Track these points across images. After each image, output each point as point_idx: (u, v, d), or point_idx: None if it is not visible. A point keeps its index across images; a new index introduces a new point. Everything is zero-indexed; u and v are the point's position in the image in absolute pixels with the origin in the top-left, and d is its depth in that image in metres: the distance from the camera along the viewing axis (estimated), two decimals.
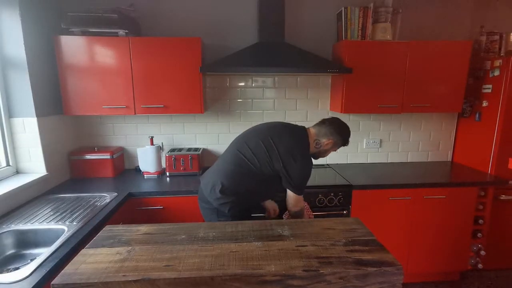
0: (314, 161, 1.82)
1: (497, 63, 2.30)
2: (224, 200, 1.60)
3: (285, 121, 1.80)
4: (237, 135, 2.78)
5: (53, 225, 1.56)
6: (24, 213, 1.68)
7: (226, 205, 1.60)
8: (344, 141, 1.71)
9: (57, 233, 1.49)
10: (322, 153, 1.75)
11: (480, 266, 2.41)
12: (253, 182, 1.62)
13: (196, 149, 2.52)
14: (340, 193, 2.18)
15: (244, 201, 1.63)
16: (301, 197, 1.66)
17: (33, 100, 1.95)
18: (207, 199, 1.65)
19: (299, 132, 1.66)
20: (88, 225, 1.54)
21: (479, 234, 2.37)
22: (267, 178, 1.62)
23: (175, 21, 2.42)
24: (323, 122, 1.71)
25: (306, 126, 1.73)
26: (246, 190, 1.61)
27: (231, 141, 2.80)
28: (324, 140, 1.67)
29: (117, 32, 2.10)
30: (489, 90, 2.38)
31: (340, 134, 1.68)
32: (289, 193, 1.64)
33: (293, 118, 2.66)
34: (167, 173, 2.42)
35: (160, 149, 2.46)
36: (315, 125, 1.73)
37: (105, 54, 2.11)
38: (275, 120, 1.83)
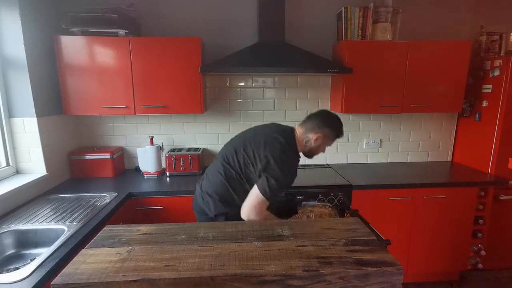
0: (314, 161, 1.74)
1: (497, 63, 2.30)
2: (219, 211, 1.57)
3: (282, 122, 1.68)
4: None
5: (53, 225, 1.56)
6: (24, 213, 1.68)
7: (222, 216, 1.56)
8: (336, 133, 1.56)
9: (57, 233, 1.49)
10: (315, 150, 1.61)
11: (480, 266, 2.41)
12: (244, 194, 1.50)
13: (196, 149, 2.51)
14: (340, 193, 2.18)
15: (239, 211, 1.52)
16: (266, 203, 1.46)
17: (33, 100, 1.95)
18: (202, 209, 1.63)
19: (285, 135, 1.53)
20: (88, 225, 1.54)
21: (479, 234, 2.37)
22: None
23: (175, 21, 2.42)
24: (309, 117, 1.59)
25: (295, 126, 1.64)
26: (240, 200, 1.52)
27: None
28: (311, 135, 1.54)
29: (117, 32, 2.10)
30: (489, 90, 2.38)
31: (328, 126, 1.54)
32: (255, 197, 1.45)
33: (293, 118, 2.65)
34: (167, 173, 2.42)
35: (160, 149, 2.45)
36: (302, 121, 1.61)
37: (105, 54, 2.11)
38: (276, 121, 1.76)
